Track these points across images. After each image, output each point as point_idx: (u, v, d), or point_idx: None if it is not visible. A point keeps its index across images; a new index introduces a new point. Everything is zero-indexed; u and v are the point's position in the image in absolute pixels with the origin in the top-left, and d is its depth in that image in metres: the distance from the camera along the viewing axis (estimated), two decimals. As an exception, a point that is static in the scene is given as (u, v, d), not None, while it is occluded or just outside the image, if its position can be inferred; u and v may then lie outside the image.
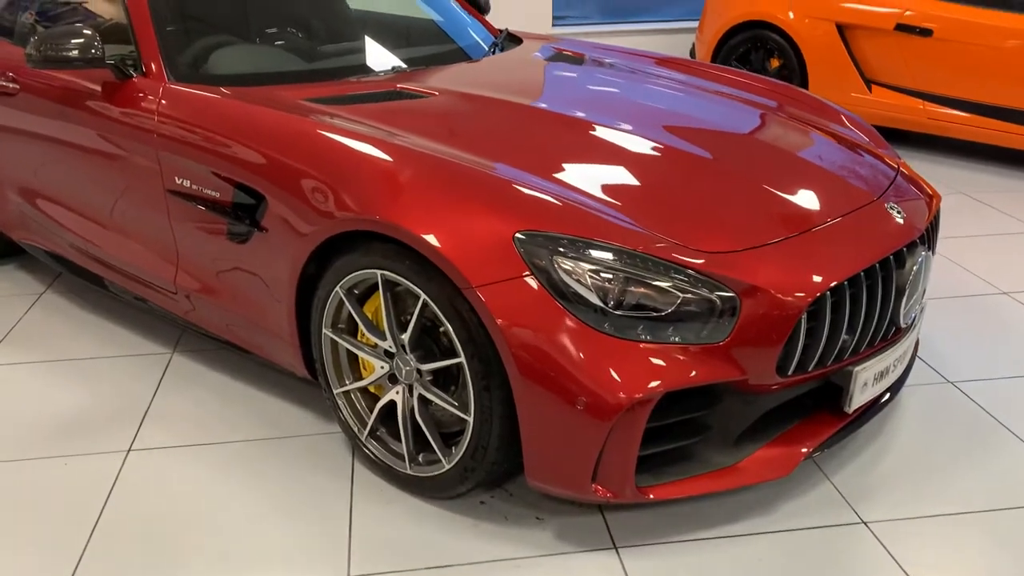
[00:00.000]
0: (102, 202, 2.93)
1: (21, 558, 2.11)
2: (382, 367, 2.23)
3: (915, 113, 5.15)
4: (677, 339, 1.93)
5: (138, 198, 2.76)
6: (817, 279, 2.02)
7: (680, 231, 2.04)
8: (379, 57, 3.10)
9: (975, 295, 3.41)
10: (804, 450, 2.14)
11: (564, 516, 2.20)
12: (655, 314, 1.92)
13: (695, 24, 6.31)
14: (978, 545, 2.10)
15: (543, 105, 2.73)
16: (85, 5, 3.34)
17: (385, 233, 2.07)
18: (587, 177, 2.21)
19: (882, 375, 2.26)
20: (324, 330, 2.30)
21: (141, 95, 2.68)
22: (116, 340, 3.13)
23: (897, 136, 5.38)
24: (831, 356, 2.10)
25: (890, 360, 2.27)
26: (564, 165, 2.26)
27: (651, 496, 2.00)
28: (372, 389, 2.33)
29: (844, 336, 2.10)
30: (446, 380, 2.16)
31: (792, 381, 2.06)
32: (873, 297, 2.14)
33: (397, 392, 2.21)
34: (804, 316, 1.99)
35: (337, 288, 2.22)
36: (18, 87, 3.11)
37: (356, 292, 2.23)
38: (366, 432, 2.32)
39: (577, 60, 3.34)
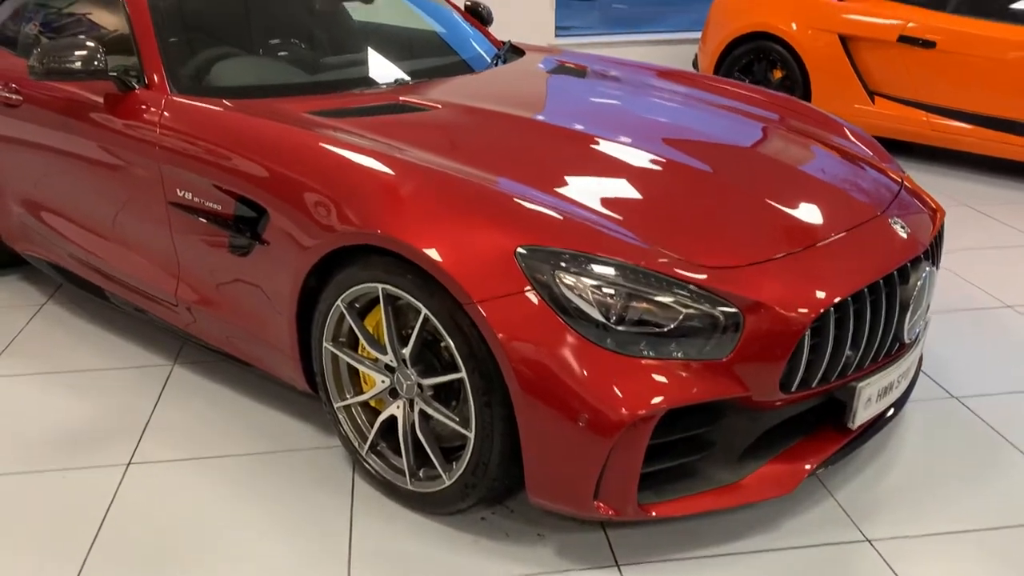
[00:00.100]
0: (104, 214, 2.93)
1: (19, 572, 2.10)
2: (383, 381, 2.22)
3: (918, 125, 5.14)
4: (680, 355, 1.91)
5: (140, 210, 2.76)
6: (821, 295, 2.00)
7: (683, 246, 2.03)
8: (382, 69, 3.10)
9: (979, 308, 3.40)
10: (807, 467, 2.12)
11: (566, 533, 2.19)
12: (657, 330, 1.91)
13: (698, 35, 6.32)
14: (983, 564, 2.08)
15: (545, 118, 2.73)
16: (89, 16, 3.34)
17: (386, 247, 2.06)
18: (589, 191, 2.20)
19: (886, 391, 2.25)
20: (325, 344, 2.29)
21: (143, 107, 2.68)
22: (117, 352, 3.12)
23: (900, 148, 5.38)
24: (835, 372, 2.09)
25: (894, 376, 2.25)
26: (566, 179, 2.26)
27: (653, 513, 1.98)
28: (373, 403, 2.32)
29: (848, 352, 2.09)
30: (447, 395, 2.15)
31: (795, 397, 2.05)
32: (877, 313, 2.13)
33: (398, 407, 2.20)
34: (808, 332, 1.98)
35: (338, 302, 2.21)
36: (21, 98, 3.12)
37: (357, 306, 2.22)
38: (367, 447, 2.31)
39: (579, 72, 3.34)
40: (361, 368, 2.28)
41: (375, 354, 2.21)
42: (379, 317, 2.16)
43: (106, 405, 2.79)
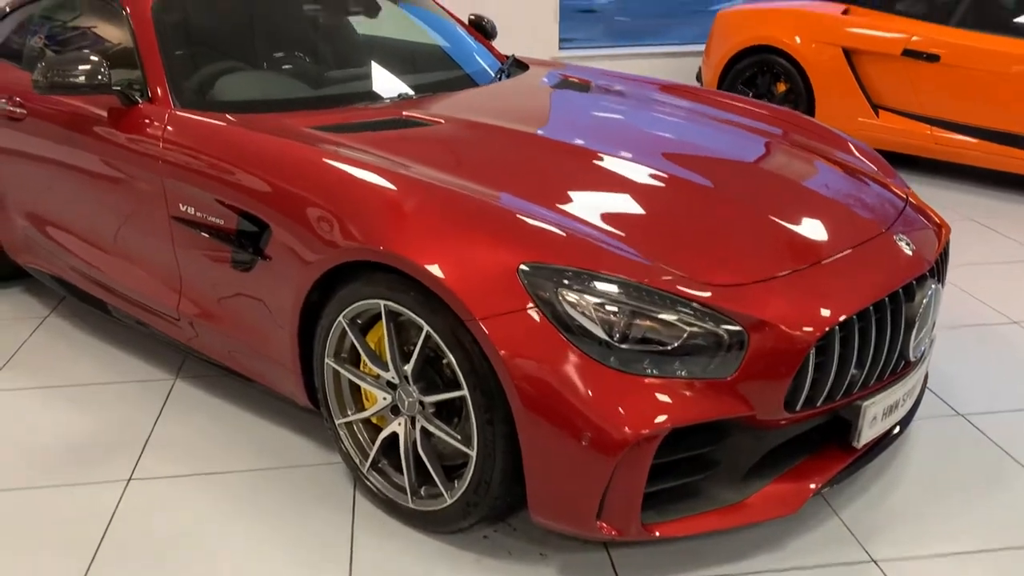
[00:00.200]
0: (107, 227, 2.92)
1: (18, 590, 2.09)
2: (384, 398, 2.21)
3: (922, 138, 5.13)
4: (684, 373, 1.90)
5: (142, 224, 2.75)
6: (825, 313, 1.99)
7: (686, 263, 2.02)
8: (385, 84, 3.10)
9: (985, 324, 3.38)
10: (812, 486, 2.10)
11: (568, 552, 2.17)
12: (661, 348, 1.89)
13: (701, 48, 6.32)
14: (991, 585, 2.06)
15: (548, 133, 2.72)
16: (94, 30, 3.35)
17: (389, 263, 2.05)
18: (592, 207, 2.19)
19: (891, 409, 2.23)
20: (326, 359, 2.28)
21: (147, 121, 2.68)
22: (119, 365, 3.11)
23: (904, 161, 5.37)
24: (840, 391, 2.07)
25: (899, 394, 2.24)
26: (569, 194, 2.25)
27: (657, 533, 1.96)
28: (374, 420, 2.31)
29: (853, 371, 2.07)
30: (449, 412, 2.14)
31: (800, 416, 2.03)
32: (882, 331, 2.12)
33: (399, 424, 2.19)
34: (813, 351, 1.96)
35: (340, 318, 2.20)
36: (26, 112, 3.12)
37: (359, 322, 2.21)
38: (368, 464, 2.29)
39: (583, 87, 3.33)
40: (363, 385, 2.26)
41: (377, 370, 2.20)
42: (381, 333, 2.15)
43: (107, 419, 2.78)
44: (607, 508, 1.91)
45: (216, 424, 2.75)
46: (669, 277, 1.96)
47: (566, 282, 1.91)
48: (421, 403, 2.13)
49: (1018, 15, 4.88)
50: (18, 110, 3.15)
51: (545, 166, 2.44)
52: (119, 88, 2.70)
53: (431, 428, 2.12)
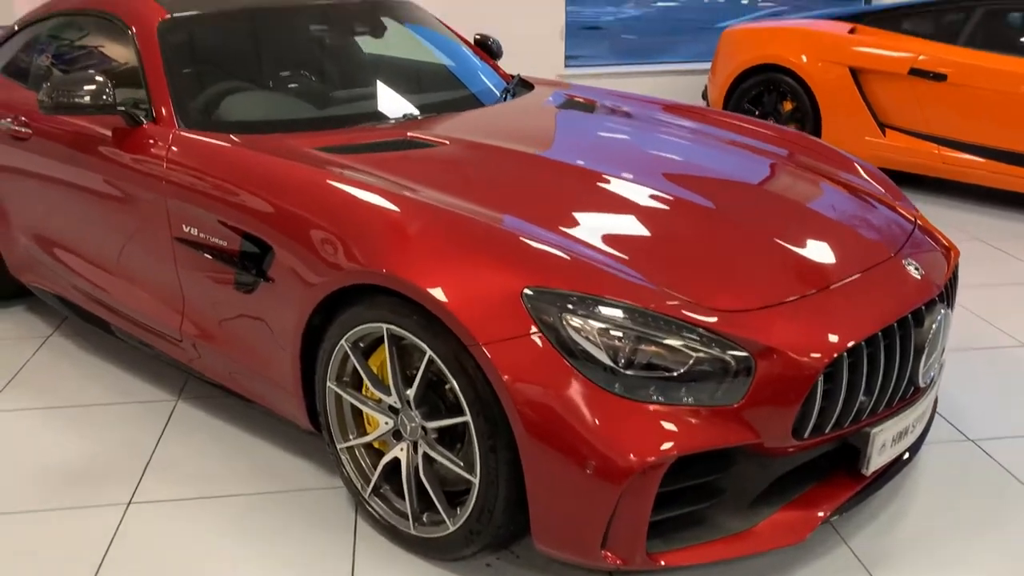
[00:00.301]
0: (110, 248, 2.92)
1: (14, 617, 2.06)
2: (386, 423, 2.18)
3: (929, 158, 5.11)
4: (690, 400, 1.87)
5: (146, 245, 2.74)
6: (834, 339, 1.96)
7: (692, 288, 1.99)
8: (390, 104, 3.09)
9: (994, 347, 3.34)
10: (821, 514, 2.07)
11: (572, 580, 2.14)
12: (667, 374, 1.87)
13: (707, 66, 6.32)
14: (1003, 617, 2.02)
15: (553, 155, 2.71)
16: (100, 49, 3.36)
17: (392, 287, 2.03)
18: (597, 230, 2.17)
19: (901, 436, 2.19)
20: (328, 383, 2.26)
21: (151, 142, 2.68)
22: (121, 386, 3.10)
23: (911, 181, 5.35)
24: (848, 418, 2.04)
25: (909, 420, 2.20)
26: (574, 216, 2.23)
27: (663, 563, 1.93)
28: (376, 445, 2.28)
29: (862, 397, 2.04)
30: (452, 438, 2.11)
31: (808, 444, 2.00)
32: (891, 357, 2.09)
33: (401, 449, 2.16)
34: (821, 378, 1.93)
35: (342, 341, 2.18)
36: (31, 131, 3.12)
37: (362, 345, 2.19)
38: (369, 489, 2.27)
39: (588, 107, 3.32)
40: (365, 409, 2.24)
41: (379, 395, 2.18)
42: (384, 357, 2.13)
43: (109, 440, 2.76)
44: (612, 537, 1.88)
45: (218, 446, 2.72)
46: (675, 302, 1.94)
47: (570, 307, 1.89)
48: (423, 428, 2.11)
49: (1025, 34, 4.87)
50: (23, 129, 3.15)
51: (549, 188, 2.43)
52: (124, 108, 2.70)
53: (433, 454, 2.10)
